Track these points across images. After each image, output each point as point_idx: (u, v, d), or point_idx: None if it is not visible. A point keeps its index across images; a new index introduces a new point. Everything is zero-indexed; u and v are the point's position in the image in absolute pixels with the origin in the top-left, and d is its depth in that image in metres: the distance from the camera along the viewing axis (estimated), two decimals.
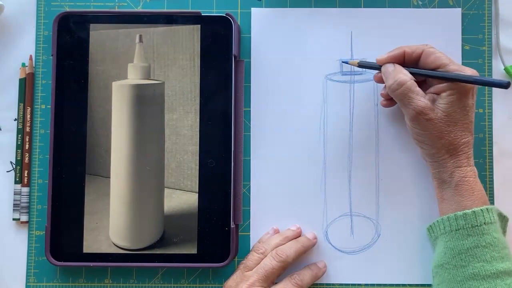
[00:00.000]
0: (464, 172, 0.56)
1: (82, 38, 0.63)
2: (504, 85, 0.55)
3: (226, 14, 0.63)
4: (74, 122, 0.62)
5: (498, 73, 0.65)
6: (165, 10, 0.65)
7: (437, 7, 0.65)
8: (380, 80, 0.60)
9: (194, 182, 0.62)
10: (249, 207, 0.63)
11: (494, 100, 0.64)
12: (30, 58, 0.65)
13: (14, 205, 0.63)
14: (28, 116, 0.64)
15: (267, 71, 0.64)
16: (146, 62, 0.63)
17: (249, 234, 0.63)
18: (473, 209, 0.55)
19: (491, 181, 0.64)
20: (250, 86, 0.64)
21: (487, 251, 0.54)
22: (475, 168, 0.57)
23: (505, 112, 0.65)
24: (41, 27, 0.65)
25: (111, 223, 0.62)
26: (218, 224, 0.62)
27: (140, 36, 0.63)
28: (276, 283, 0.59)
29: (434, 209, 0.60)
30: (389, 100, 0.61)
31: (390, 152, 0.63)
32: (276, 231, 0.62)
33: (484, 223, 0.55)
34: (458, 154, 0.57)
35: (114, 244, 0.62)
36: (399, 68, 0.58)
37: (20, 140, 0.64)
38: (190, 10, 0.65)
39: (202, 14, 0.63)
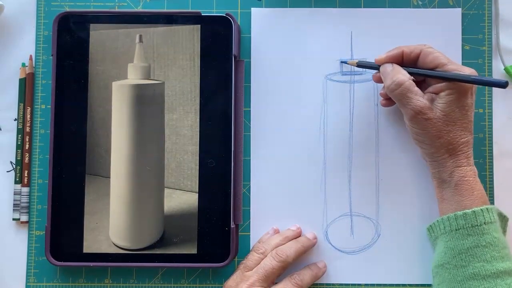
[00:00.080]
0: (463, 171, 0.56)
1: (82, 38, 0.63)
2: (502, 85, 0.55)
3: (226, 14, 0.63)
4: (74, 122, 0.62)
5: (498, 73, 0.65)
6: (165, 10, 0.65)
7: (437, 7, 0.65)
8: (379, 80, 0.60)
9: (194, 182, 0.62)
10: (249, 207, 0.63)
11: (494, 100, 0.64)
12: (30, 58, 0.65)
13: (14, 205, 0.63)
14: (28, 116, 0.64)
15: (267, 71, 0.64)
16: (146, 62, 0.63)
17: (249, 234, 0.63)
18: (473, 209, 0.55)
19: (491, 181, 0.64)
20: (250, 86, 0.64)
21: (487, 250, 0.54)
22: (475, 168, 0.57)
23: (505, 112, 0.65)
24: (41, 27, 0.65)
25: (111, 223, 0.62)
26: (218, 224, 0.62)
27: (140, 36, 0.63)
28: (276, 283, 0.59)
29: (434, 209, 0.60)
30: (389, 100, 0.61)
31: (390, 152, 0.63)
32: (276, 231, 0.62)
33: (484, 222, 0.55)
34: (457, 154, 0.57)
35: (114, 244, 0.62)
36: (398, 68, 0.58)
37: (20, 140, 0.64)
38: (190, 10, 0.65)
39: (202, 14, 0.63)
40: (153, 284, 0.63)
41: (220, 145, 0.62)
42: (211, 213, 0.62)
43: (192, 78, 0.63)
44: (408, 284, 0.63)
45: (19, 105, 0.64)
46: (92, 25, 0.63)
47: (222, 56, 0.63)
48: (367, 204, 0.63)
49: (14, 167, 0.64)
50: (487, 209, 0.55)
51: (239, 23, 0.65)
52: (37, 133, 0.64)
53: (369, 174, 0.63)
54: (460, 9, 0.65)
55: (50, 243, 0.61)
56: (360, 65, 0.61)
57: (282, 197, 0.63)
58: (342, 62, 0.64)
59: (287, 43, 0.64)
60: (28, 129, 0.64)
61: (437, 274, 0.57)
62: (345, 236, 0.63)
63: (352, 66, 0.64)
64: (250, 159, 0.64)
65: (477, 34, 0.65)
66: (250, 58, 0.65)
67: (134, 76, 0.63)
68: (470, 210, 0.55)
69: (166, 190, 0.62)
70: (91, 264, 0.61)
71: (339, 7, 0.65)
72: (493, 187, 0.64)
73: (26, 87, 0.64)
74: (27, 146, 0.64)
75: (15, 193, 0.63)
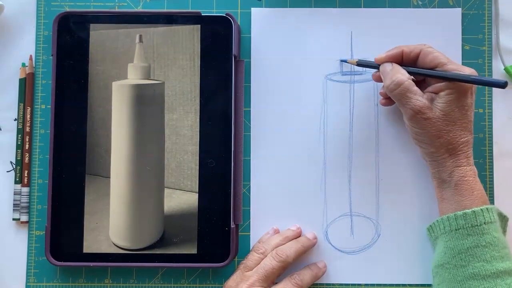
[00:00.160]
0: (463, 171, 0.56)
1: (82, 38, 0.63)
2: (501, 85, 0.55)
3: (226, 14, 0.63)
4: (74, 122, 0.62)
5: (498, 73, 0.65)
6: (165, 10, 0.65)
7: (437, 7, 0.65)
8: (379, 79, 0.60)
9: (194, 182, 0.62)
10: (249, 207, 0.63)
11: (494, 100, 0.64)
12: (30, 58, 0.65)
13: (14, 205, 0.63)
14: (28, 116, 0.64)
15: (267, 71, 0.64)
16: (146, 62, 0.63)
17: (249, 234, 0.63)
18: (473, 209, 0.55)
19: (491, 181, 0.64)
20: (250, 86, 0.64)
21: (487, 250, 0.54)
22: (475, 168, 0.57)
23: (505, 112, 0.65)
24: (41, 27, 0.65)
25: (111, 223, 0.62)
26: (218, 224, 0.62)
27: (140, 36, 0.63)
28: (276, 283, 0.59)
29: (434, 209, 0.60)
30: (388, 99, 0.61)
31: (390, 152, 0.63)
32: (276, 231, 0.62)
33: (484, 222, 0.55)
34: (457, 154, 0.57)
35: (114, 244, 0.62)
36: (397, 67, 0.58)
37: (20, 140, 0.64)
38: (190, 10, 0.65)
39: (202, 14, 0.63)
40: (153, 284, 0.63)
41: (220, 145, 0.62)
42: (211, 213, 0.62)
43: (192, 78, 0.63)
44: (408, 284, 0.63)
45: (19, 105, 0.64)
46: (92, 25, 0.63)
47: (222, 56, 0.63)
48: (367, 204, 0.63)
49: (14, 167, 0.64)
50: (487, 209, 0.55)
51: (239, 23, 0.65)
52: (37, 133, 0.64)
53: (369, 174, 0.63)
54: (460, 9, 0.65)
55: (50, 243, 0.61)
56: (360, 64, 0.61)
57: (282, 197, 0.63)
58: (342, 61, 0.64)
59: (287, 43, 0.64)
60: (28, 129, 0.64)
61: (437, 274, 0.57)
62: (345, 236, 0.63)
63: (352, 66, 0.64)
64: (250, 159, 0.64)
65: (477, 34, 0.65)
66: (250, 58, 0.65)
67: (134, 76, 0.63)
68: (470, 210, 0.55)
69: (166, 190, 0.62)
70: (91, 264, 0.61)
71: (339, 7, 0.65)
72: (493, 187, 0.64)
73: (26, 87, 0.64)
74: (27, 146, 0.64)
75: (15, 193, 0.63)
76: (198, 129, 0.63)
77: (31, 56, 0.65)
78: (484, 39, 0.65)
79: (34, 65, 0.65)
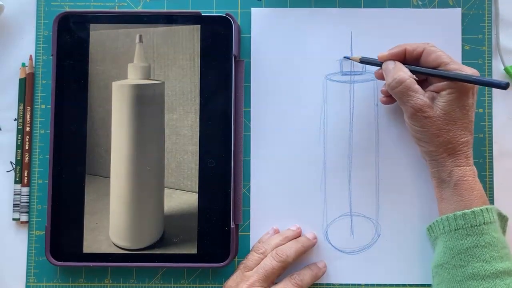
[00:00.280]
0: (463, 171, 0.56)
1: (82, 38, 0.63)
2: (502, 86, 0.55)
3: (226, 14, 0.63)
4: (74, 122, 0.62)
5: (498, 73, 0.65)
6: (165, 10, 0.65)
7: (437, 7, 0.65)
8: (381, 77, 0.60)
9: (194, 182, 0.62)
10: (249, 207, 0.63)
11: (494, 100, 0.64)
12: (30, 58, 0.65)
13: (14, 205, 0.63)
14: (28, 116, 0.64)
15: (267, 71, 0.64)
16: (146, 62, 0.63)
17: (249, 234, 0.63)
18: (472, 209, 0.55)
19: (491, 181, 0.64)
20: (250, 86, 0.64)
21: (486, 251, 0.54)
22: (475, 168, 0.57)
23: (505, 112, 0.65)
24: (41, 27, 0.65)
25: (111, 223, 0.62)
26: (218, 224, 0.62)
27: (140, 36, 0.63)
28: (276, 283, 0.59)
29: (434, 209, 0.60)
30: (389, 97, 0.61)
31: (390, 152, 0.63)
32: (276, 231, 0.62)
33: (484, 222, 0.55)
34: (457, 153, 0.57)
35: (114, 244, 0.62)
36: (399, 65, 0.58)
37: (20, 140, 0.64)
38: (190, 10, 0.65)
39: (202, 14, 0.63)
40: (153, 284, 0.63)
41: (220, 145, 0.62)
42: (211, 213, 0.62)
43: (192, 78, 0.63)
44: (408, 284, 0.63)
45: (19, 105, 0.64)
46: (92, 25, 0.63)
47: (222, 56, 0.63)
48: (367, 204, 0.63)
49: (14, 167, 0.64)
50: (486, 209, 0.55)
51: (239, 23, 0.65)
52: (37, 133, 0.64)
53: (369, 174, 0.63)
54: (460, 9, 0.65)
55: (50, 243, 0.61)
56: (363, 61, 0.61)
57: (282, 197, 0.63)
58: (345, 57, 0.64)
59: (287, 43, 0.64)
60: (28, 129, 0.64)
61: (437, 274, 0.57)
62: (345, 236, 0.63)
63: (352, 66, 0.64)
64: (250, 159, 0.64)
65: (477, 34, 0.65)
66: (250, 58, 0.65)
67: (134, 76, 0.63)
68: (470, 210, 0.55)
69: (166, 190, 0.62)
70: (91, 264, 0.61)
71: (339, 7, 0.65)
72: (493, 187, 0.64)
73: (26, 87, 0.64)
74: (27, 146, 0.64)
75: (15, 193, 0.63)
76: (198, 129, 0.63)
77: (31, 56, 0.65)
78: (484, 39, 0.65)
79: (34, 65, 0.65)
